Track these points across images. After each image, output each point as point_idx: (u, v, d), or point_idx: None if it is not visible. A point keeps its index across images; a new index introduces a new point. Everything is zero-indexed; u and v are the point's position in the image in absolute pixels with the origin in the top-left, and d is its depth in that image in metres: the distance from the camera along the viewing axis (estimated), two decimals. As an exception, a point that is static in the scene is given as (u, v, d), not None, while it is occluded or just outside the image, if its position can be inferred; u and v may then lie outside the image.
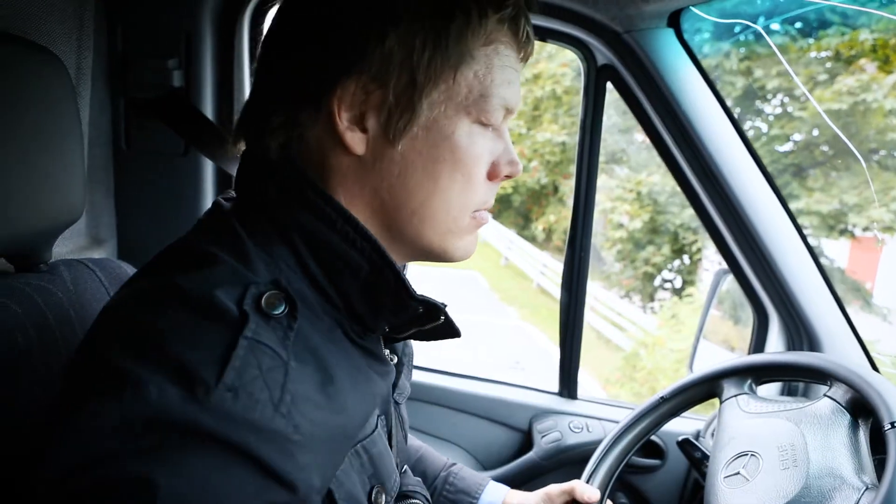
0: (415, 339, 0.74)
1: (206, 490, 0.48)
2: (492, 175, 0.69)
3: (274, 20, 0.67)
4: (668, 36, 1.21)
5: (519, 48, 0.69)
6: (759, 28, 1.34)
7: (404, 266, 0.81)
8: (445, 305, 0.68)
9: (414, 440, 1.16)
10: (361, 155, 0.64)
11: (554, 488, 1.09)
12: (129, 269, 0.96)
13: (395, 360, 0.80)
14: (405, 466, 0.91)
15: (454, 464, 1.14)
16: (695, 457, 1.20)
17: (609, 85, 1.34)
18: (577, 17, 1.22)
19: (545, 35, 1.31)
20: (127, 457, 0.48)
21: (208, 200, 1.34)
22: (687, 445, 1.21)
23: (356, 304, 0.64)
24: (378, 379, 0.68)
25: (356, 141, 0.63)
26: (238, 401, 0.50)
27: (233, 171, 1.23)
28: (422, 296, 0.65)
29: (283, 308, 0.58)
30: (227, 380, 0.50)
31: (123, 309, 0.59)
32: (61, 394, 0.55)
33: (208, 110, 1.29)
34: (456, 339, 0.73)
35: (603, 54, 1.28)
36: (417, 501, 0.85)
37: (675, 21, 1.20)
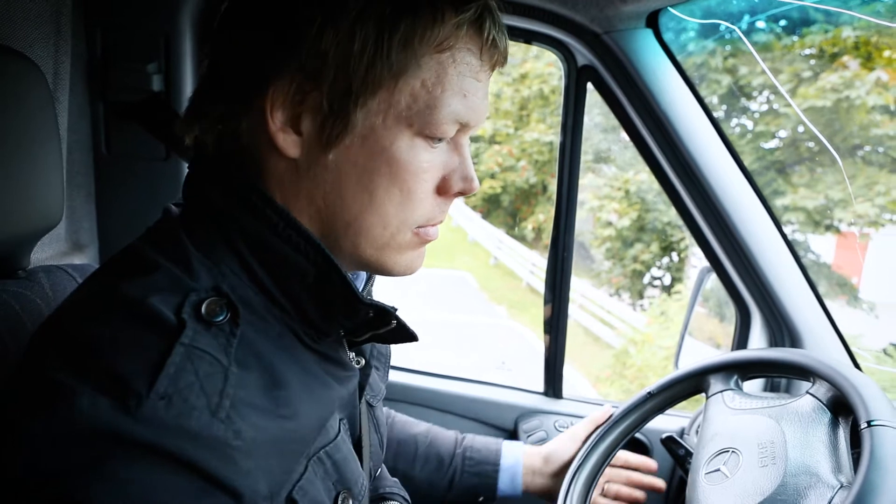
0: (373, 342, 0.72)
1: (143, 500, 0.47)
2: (442, 190, 0.65)
3: (221, 15, 0.64)
4: (647, 36, 1.22)
5: (483, 54, 0.62)
6: (735, 28, 1.35)
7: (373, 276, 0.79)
8: (396, 309, 0.66)
9: (421, 424, 1.17)
10: (296, 158, 0.61)
11: (576, 427, 1.17)
12: (110, 275, 0.95)
13: (362, 362, 0.78)
14: (381, 468, 0.91)
15: (464, 437, 1.16)
16: (678, 454, 1.21)
17: (590, 85, 1.35)
18: (556, 18, 1.22)
19: (525, 36, 1.31)
20: (61, 474, 0.47)
21: (190, 204, 1.33)
22: (670, 443, 1.22)
23: (307, 308, 0.62)
24: (335, 384, 0.66)
25: (289, 143, 0.60)
26: (172, 408, 0.49)
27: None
28: (371, 300, 0.64)
29: (224, 315, 0.56)
30: (159, 388, 0.49)
31: (61, 318, 0.58)
32: None
33: (189, 114, 1.29)
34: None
35: (583, 55, 1.29)
36: (395, 502, 0.85)
37: (653, 21, 1.20)
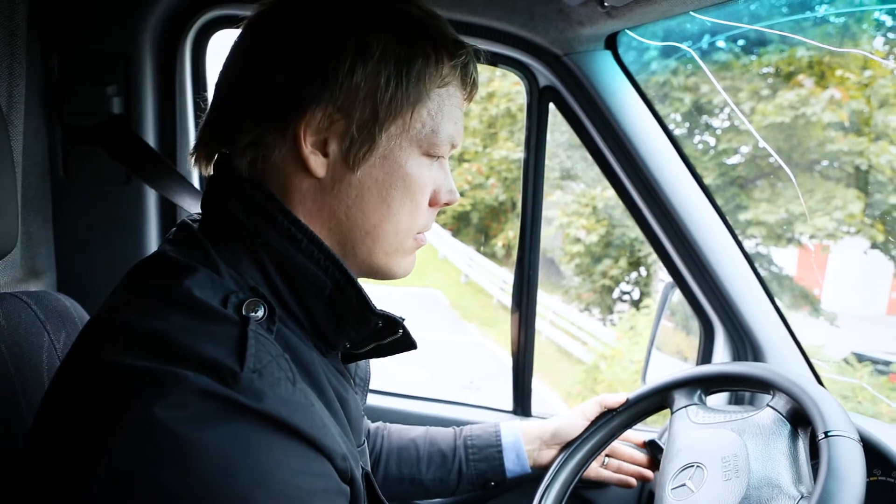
0: (373, 355, 0.79)
1: (254, 459, 0.54)
2: (433, 202, 0.76)
3: (240, 40, 0.72)
4: (606, 58, 1.24)
5: (465, 89, 0.76)
6: (690, 51, 1.38)
7: None
8: (403, 319, 0.73)
9: (418, 428, 1.20)
10: (321, 178, 0.69)
11: (586, 405, 1.20)
12: (68, 302, 0.93)
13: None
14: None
15: (461, 428, 1.20)
16: (658, 459, 1.21)
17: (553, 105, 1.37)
18: (518, 40, 1.24)
19: (489, 58, 1.33)
20: (179, 434, 0.52)
21: (151, 229, 1.31)
22: (652, 447, 1.23)
23: (321, 321, 0.70)
24: (350, 390, 0.75)
25: (318, 164, 0.68)
26: (264, 379, 0.57)
27: (175, 198, 1.20)
28: (381, 310, 0.71)
29: (263, 313, 0.63)
30: (250, 364, 0.57)
31: (119, 319, 0.62)
32: (73, 417, 0.57)
33: (150, 136, 1.27)
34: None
35: (545, 76, 1.31)
36: None
37: (612, 43, 1.23)
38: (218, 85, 0.73)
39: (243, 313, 0.62)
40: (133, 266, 0.69)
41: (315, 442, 0.58)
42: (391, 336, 0.74)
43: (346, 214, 0.70)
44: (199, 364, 0.55)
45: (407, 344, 0.77)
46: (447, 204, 0.78)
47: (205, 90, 1.34)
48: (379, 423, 1.22)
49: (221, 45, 1.33)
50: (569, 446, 1.17)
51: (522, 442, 1.17)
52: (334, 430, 0.63)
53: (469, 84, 0.76)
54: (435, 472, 1.15)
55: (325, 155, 0.69)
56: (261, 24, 0.71)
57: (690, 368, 1.14)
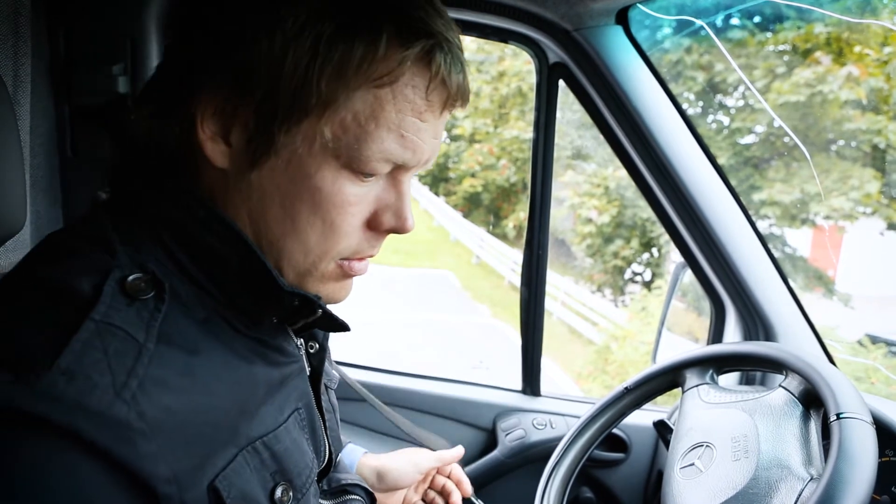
0: (310, 329, 0.70)
1: (36, 477, 0.46)
2: (372, 225, 0.63)
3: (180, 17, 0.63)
4: (617, 33, 1.22)
5: (430, 94, 0.58)
6: (703, 24, 1.35)
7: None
8: (319, 298, 0.63)
9: None
10: (225, 168, 0.60)
11: (421, 457, 1.00)
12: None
13: (316, 346, 0.76)
14: (341, 460, 0.87)
15: None
16: (667, 439, 1.21)
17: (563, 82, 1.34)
18: (527, 15, 1.22)
19: (497, 34, 1.31)
20: None
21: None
22: (661, 427, 1.22)
23: (236, 296, 0.61)
24: (266, 366, 0.64)
25: (217, 153, 0.59)
26: (72, 385, 0.48)
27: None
28: (293, 288, 0.61)
29: (150, 291, 0.55)
30: (62, 363, 0.48)
31: None
32: None
33: (157, 116, 1.26)
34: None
35: (554, 52, 1.29)
36: (356, 497, 0.83)
37: (623, 18, 1.21)
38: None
39: (127, 291, 0.54)
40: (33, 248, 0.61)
41: (122, 464, 0.49)
42: (313, 315, 0.64)
43: (250, 216, 0.60)
44: (7, 356, 0.49)
45: (337, 324, 0.66)
46: (393, 231, 0.63)
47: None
48: None
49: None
50: (582, 422, 1.17)
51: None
52: (161, 446, 0.51)
53: (433, 84, 0.57)
54: None
55: (229, 144, 0.58)
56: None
57: (703, 347, 1.12)
